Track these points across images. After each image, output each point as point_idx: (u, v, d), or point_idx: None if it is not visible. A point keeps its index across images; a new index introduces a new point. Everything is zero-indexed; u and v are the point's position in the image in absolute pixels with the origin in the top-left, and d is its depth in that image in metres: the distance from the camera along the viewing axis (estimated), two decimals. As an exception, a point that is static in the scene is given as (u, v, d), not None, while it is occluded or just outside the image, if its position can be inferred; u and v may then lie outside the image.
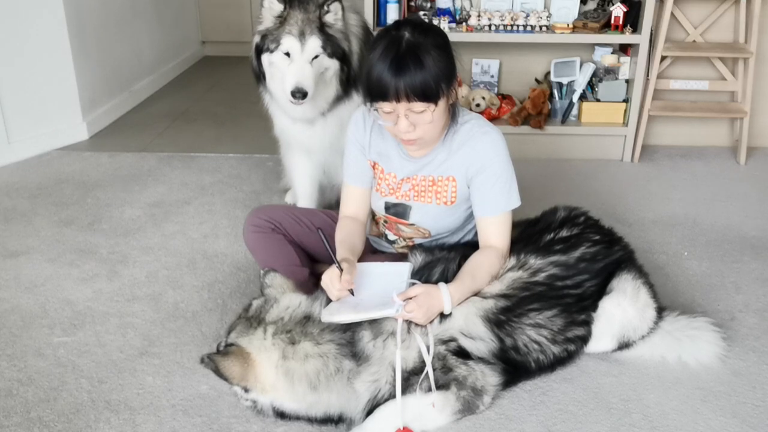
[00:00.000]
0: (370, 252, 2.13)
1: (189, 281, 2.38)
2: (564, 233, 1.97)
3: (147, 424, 1.74)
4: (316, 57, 2.22)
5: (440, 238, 2.02)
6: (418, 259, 1.87)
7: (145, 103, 4.41)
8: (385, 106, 1.73)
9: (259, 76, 2.36)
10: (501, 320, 1.76)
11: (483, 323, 1.75)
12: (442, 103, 1.74)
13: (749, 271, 2.43)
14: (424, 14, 3.33)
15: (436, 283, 1.75)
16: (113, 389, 1.86)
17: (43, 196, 3.04)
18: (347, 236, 1.96)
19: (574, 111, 3.41)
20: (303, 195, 2.64)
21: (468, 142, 1.87)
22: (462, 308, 1.74)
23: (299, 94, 2.17)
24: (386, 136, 1.94)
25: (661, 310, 1.98)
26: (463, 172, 1.89)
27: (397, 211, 1.99)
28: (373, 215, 2.11)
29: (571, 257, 1.89)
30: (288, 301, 1.75)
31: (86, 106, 3.73)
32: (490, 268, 1.84)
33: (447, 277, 1.81)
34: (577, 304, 1.85)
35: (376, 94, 1.72)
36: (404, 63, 1.67)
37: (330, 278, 1.75)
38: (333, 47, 2.24)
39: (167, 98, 4.53)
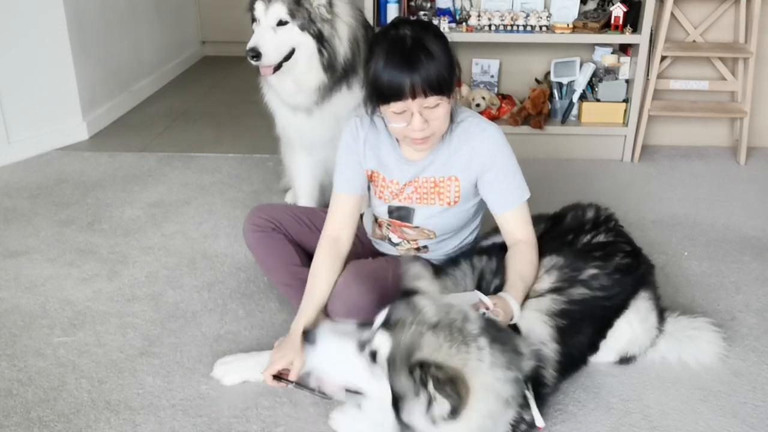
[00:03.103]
0: (372, 254, 2.13)
1: (189, 281, 2.38)
2: (601, 238, 1.90)
3: (147, 424, 1.74)
4: (283, 24, 2.22)
5: (445, 238, 2.01)
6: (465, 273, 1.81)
7: (145, 103, 4.41)
8: (397, 106, 1.70)
9: None
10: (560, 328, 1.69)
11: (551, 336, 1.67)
12: (451, 95, 1.74)
13: (749, 271, 2.43)
14: (424, 14, 3.33)
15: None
16: (113, 389, 1.86)
17: (43, 196, 3.04)
18: (320, 277, 1.91)
19: (574, 111, 3.41)
20: (303, 194, 2.64)
21: (467, 141, 1.86)
22: (530, 322, 1.66)
23: (251, 53, 2.19)
24: (381, 145, 1.92)
25: (662, 319, 1.96)
26: (467, 172, 1.88)
27: (401, 214, 1.97)
28: (375, 218, 2.11)
29: (610, 267, 1.82)
30: (460, 305, 1.52)
31: (86, 106, 3.73)
32: (532, 263, 1.81)
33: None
34: (604, 317, 1.82)
35: (388, 94, 1.69)
36: (416, 57, 1.65)
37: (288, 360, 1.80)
38: (305, 21, 2.23)
39: (167, 98, 4.53)
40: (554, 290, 1.75)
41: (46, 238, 2.68)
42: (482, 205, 2.01)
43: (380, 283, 1.90)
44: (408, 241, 2.03)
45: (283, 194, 3.00)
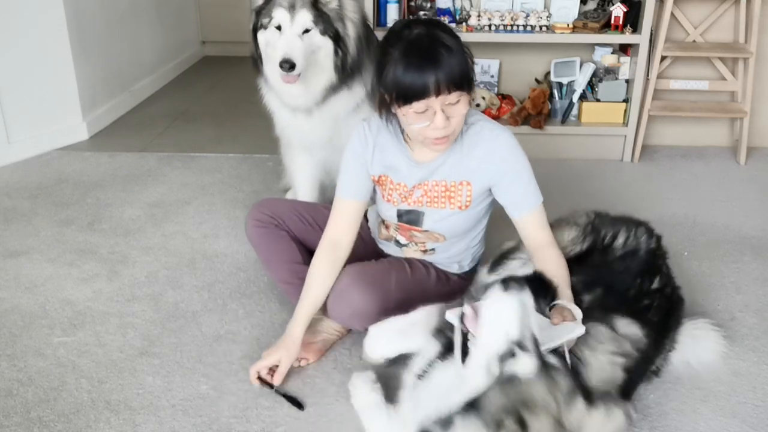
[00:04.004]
0: (374, 255, 2.13)
1: (189, 281, 2.38)
2: (656, 284, 1.82)
3: (147, 424, 1.74)
4: (307, 31, 2.21)
5: (454, 242, 2.00)
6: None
7: (145, 103, 4.41)
8: (420, 106, 1.68)
9: (257, 62, 2.37)
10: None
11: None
12: (471, 91, 1.74)
13: (749, 271, 2.43)
14: (424, 14, 3.33)
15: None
16: (113, 389, 1.86)
17: (43, 196, 3.04)
18: (317, 282, 1.92)
19: (574, 111, 3.41)
20: (303, 194, 2.64)
21: (479, 145, 1.85)
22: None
23: (287, 64, 2.16)
24: (390, 148, 1.91)
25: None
26: (480, 177, 1.87)
27: (410, 218, 1.96)
28: (382, 219, 2.10)
29: (660, 333, 1.74)
30: None
31: (86, 106, 3.72)
32: (564, 265, 1.81)
33: None
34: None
35: (411, 94, 1.67)
36: (436, 54, 1.65)
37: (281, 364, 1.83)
38: (325, 25, 2.23)
39: (167, 98, 4.53)
40: (625, 370, 1.61)
41: (46, 238, 2.68)
42: (491, 207, 2.01)
43: (383, 287, 1.90)
44: (416, 243, 2.03)
45: (283, 194, 3.00)
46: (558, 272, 1.78)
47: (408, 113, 1.72)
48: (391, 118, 1.82)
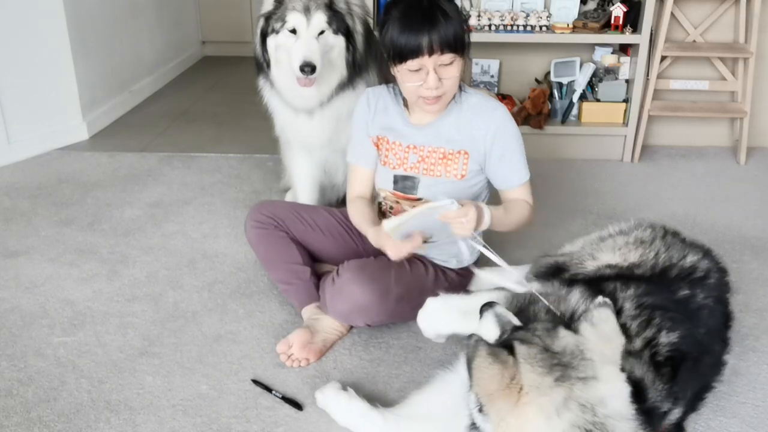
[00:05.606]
0: (374, 253, 2.12)
1: (189, 281, 2.38)
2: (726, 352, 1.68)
3: (147, 424, 1.74)
4: (322, 33, 2.22)
5: None
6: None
7: (145, 103, 4.41)
8: (414, 64, 1.77)
9: (262, 66, 2.36)
10: None
11: None
12: (464, 56, 1.82)
13: (749, 271, 2.43)
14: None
15: None
16: (113, 389, 1.86)
17: (43, 196, 3.04)
18: (366, 213, 2.03)
19: (574, 111, 3.41)
20: (303, 195, 2.64)
21: (479, 116, 1.92)
22: None
23: (308, 68, 2.17)
24: (389, 112, 2.00)
25: None
26: (478, 146, 1.93)
27: (405, 185, 2.01)
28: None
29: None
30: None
31: (86, 106, 3.73)
32: (521, 212, 1.92)
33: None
34: None
35: (406, 52, 1.76)
36: (433, 16, 1.74)
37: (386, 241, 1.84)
38: (338, 23, 2.25)
39: (167, 98, 4.53)
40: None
41: (46, 238, 2.68)
42: (485, 191, 2.04)
43: (382, 282, 1.91)
44: None
45: (282, 194, 3.00)
46: (511, 209, 1.90)
47: (403, 71, 1.80)
48: (393, 81, 1.90)
